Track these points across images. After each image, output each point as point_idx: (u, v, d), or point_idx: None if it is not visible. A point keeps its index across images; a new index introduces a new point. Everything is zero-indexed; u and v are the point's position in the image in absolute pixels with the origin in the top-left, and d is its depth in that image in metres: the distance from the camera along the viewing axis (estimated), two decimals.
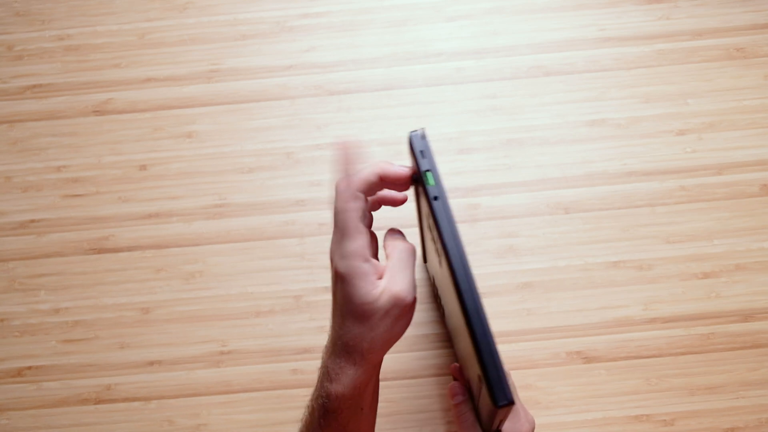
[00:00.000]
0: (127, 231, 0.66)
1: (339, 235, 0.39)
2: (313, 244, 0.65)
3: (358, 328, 0.39)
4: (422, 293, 0.64)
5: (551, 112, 0.67)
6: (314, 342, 0.63)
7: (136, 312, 0.64)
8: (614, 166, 0.66)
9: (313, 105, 0.68)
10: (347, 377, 0.39)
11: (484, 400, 0.39)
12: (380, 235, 0.65)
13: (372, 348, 0.39)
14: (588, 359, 0.62)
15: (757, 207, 0.65)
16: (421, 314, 0.63)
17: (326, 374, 0.41)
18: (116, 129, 0.68)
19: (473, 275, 0.39)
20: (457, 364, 0.55)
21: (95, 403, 0.62)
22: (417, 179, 0.41)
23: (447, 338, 0.63)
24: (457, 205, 0.65)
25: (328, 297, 0.64)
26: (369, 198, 0.42)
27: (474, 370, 0.40)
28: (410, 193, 0.65)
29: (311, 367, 0.63)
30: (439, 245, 0.39)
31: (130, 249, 0.66)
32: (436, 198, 0.38)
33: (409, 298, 0.39)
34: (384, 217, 0.66)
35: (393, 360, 0.63)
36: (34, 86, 0.70)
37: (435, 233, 0.39)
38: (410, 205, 0.66)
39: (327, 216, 0.66)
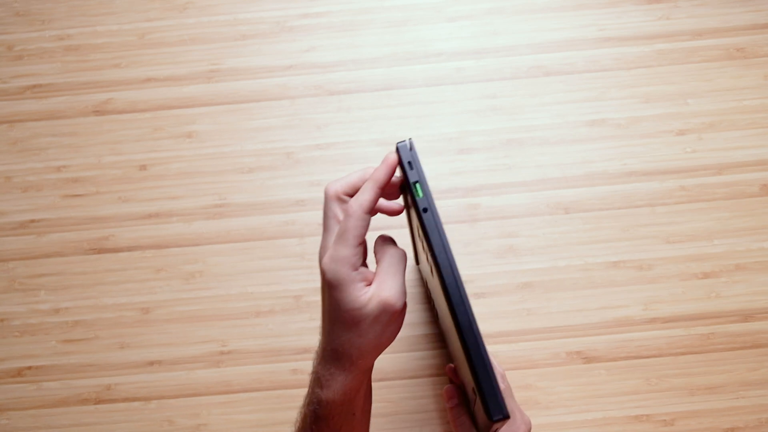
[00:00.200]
0: (127, 231, 0.66)
1: (328, 240, 0.39)
2: (313, 244, 0.65)
3: (347, 335, 0.38)
4: (417, 293, 0.64)
5: (551, 112, 0.67)
6: (314, 342, 0.63)
7: (136, 312, 0.64)
8: (614, 166, 0.66)
9: (313, 105, 0.68)
10: (338, 383, 0.39)
11: (479, 410, 0.39)
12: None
13: (361, 354, 0.39)
14: (588, 359, 0.62)
15: (757, 207, 0.65)
16: (420, 314, 0.63)
17: (317, 380, 0.40)
18: (116, 129, 0.68)
19: (464, 288, 0.39)
20: (452, 365, 0.55)
21: (95, 403, 0.62)
22: (405, 188, 0.41)
23: (443, 338, 0.63)
24: (457, 205, 0.65)
25: None
26: None
27: (468, 379, 0.40)
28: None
29: (311, 367, 0.62)
30: (430, 257, 0.39)
31: (130, 249, 0.66)
32: (425, 210, 0.38)
33: (399, 304, 0.38)
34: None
35: (392, 360, 0.63)
36: (34, 86, 0.70)
37: (425, 244, 0.39)
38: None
39: None
